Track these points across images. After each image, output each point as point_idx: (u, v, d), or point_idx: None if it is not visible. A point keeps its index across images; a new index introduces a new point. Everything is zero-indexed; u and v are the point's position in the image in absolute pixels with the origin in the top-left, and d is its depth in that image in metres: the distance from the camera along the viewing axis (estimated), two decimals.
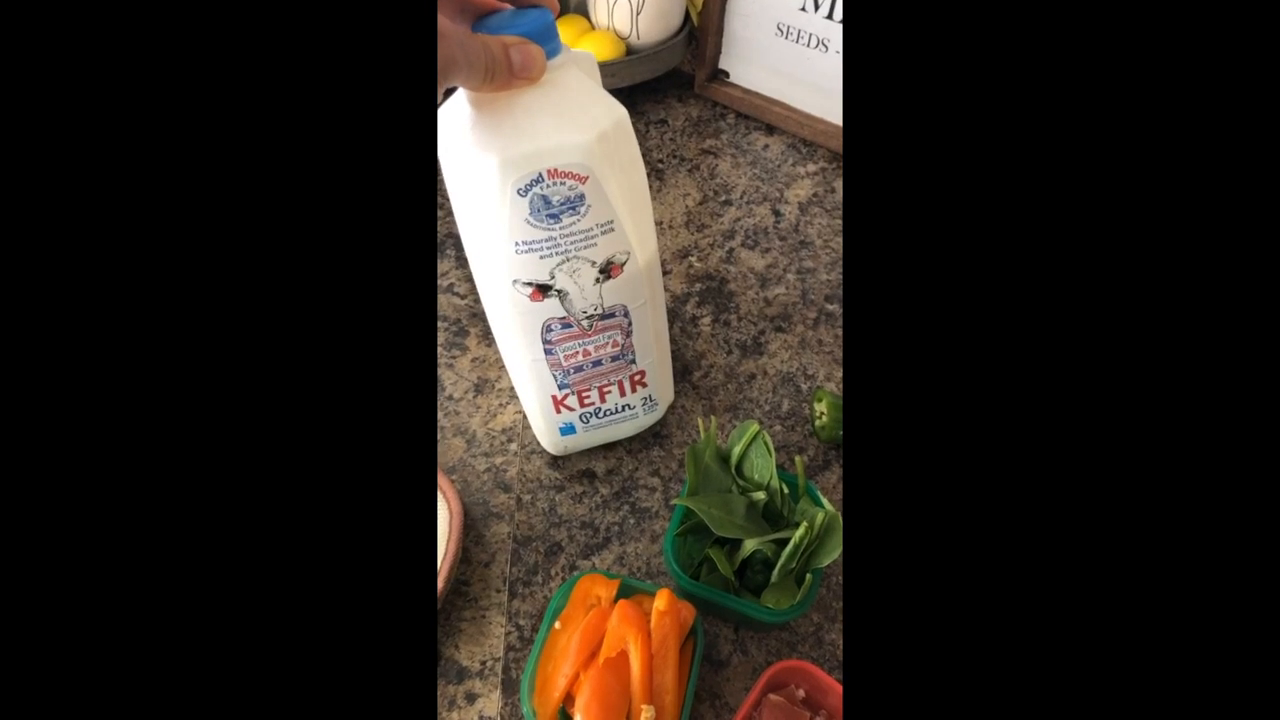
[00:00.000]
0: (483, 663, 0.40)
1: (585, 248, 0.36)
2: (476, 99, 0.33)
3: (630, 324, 0.41)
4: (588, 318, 0.39)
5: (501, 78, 0.30)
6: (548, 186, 0.33)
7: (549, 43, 0.32)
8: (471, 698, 0.39)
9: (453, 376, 0.53)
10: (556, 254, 0.36)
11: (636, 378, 0.44)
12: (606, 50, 0.69)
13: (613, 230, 0.36)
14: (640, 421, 0.47)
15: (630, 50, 0.71)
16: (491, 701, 0.39)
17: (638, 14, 0.68)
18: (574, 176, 0.33)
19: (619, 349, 0.42)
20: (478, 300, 0.58)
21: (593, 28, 0.72)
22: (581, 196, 0.34)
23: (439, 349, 0.55)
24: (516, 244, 0.35)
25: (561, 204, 0.34)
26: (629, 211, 0.36)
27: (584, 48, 0.69)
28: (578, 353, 0.41)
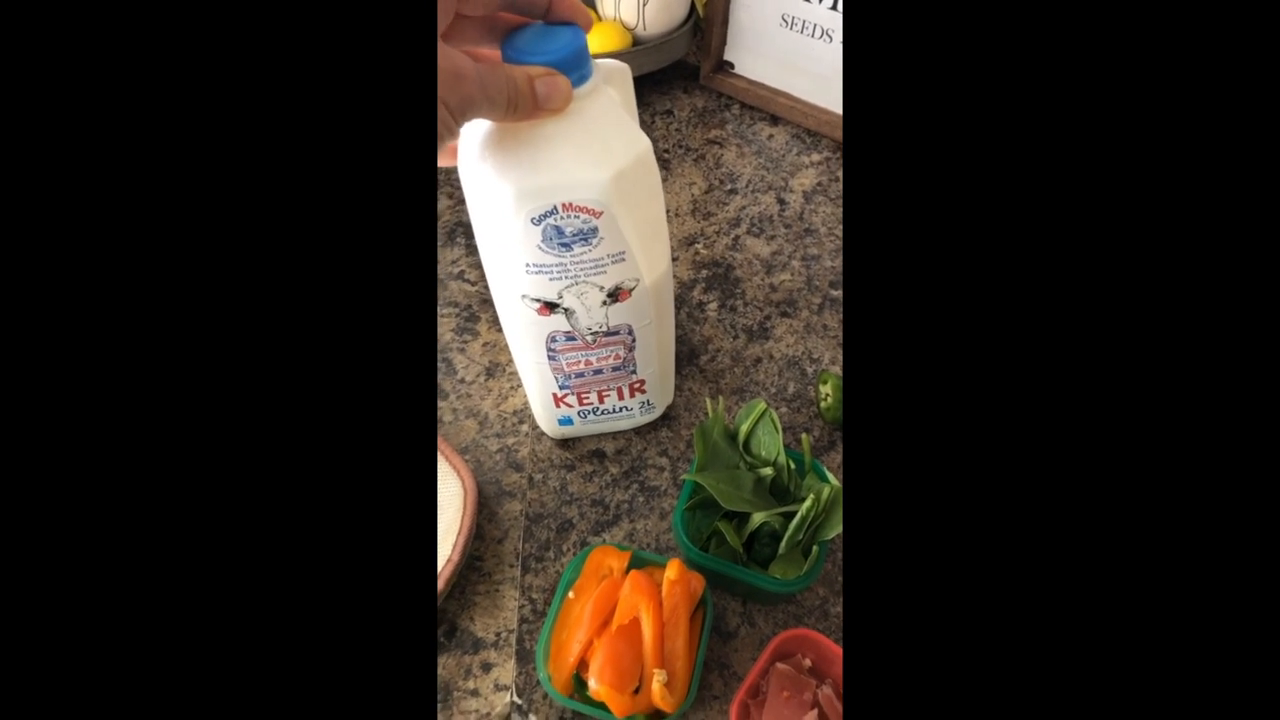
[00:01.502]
0: (497, 634, 0.41)
1: (595, 274, 0.36)
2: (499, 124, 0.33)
3: (634, 340, 0.41)
4: (592, 334, 0.40)
5: (525, 110, 0.30)
6: (561, 218, 0.33)
7: (579, 69, 0.31)
8: (487, 667, 0.40)
9: (464, 360, 0.54)
10: (566, 278, 0.36)
11: (636, 385, 0.45)
12: (613, 41, 0.69)
13: (624, 260, 0.36)
14: (636, 420, 0.48)
15: (637, 41, 0.72)
16: (506, 670, 0.40)
17: (644, 5, 0.69)
18: (588, 211, 0.33)
19: (621, 361, 0.43)
20: (488, 287, 0.59)
21: (600, 19, 0.73)
22: (595, 229, 0.34)
23: (451, 334, 0.56)
24: (527, 265, 0.35)
25: (574, 235, 0.34)
26: (641, 241, 0.36)
27: (591, 39, 0.70)
28: (580, 362, 0.42)
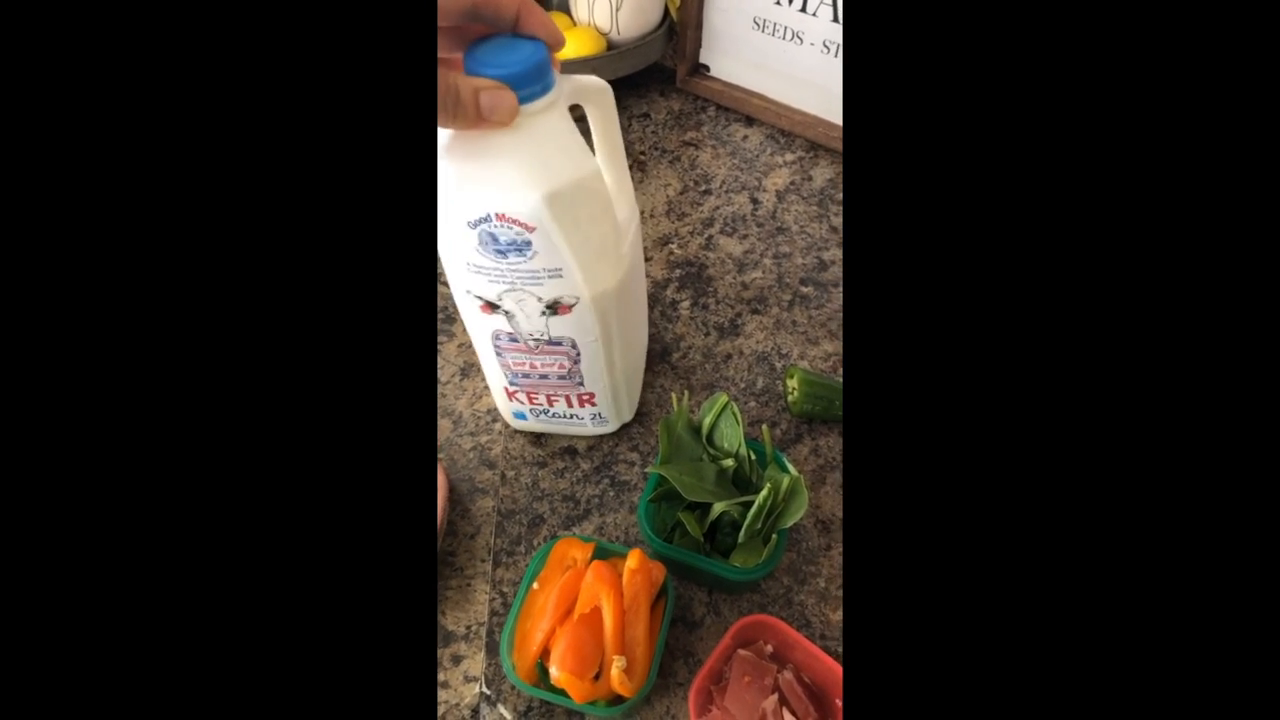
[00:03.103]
0: (468, 627, 0.42)
1: (532, 284, 0.37)
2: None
3: (578, 354, 0.42)
4: (534, 340, 0.41)
5: (466, 120, 0.30)
6: (496, 227, 0.34)
7: (535, 83, 0.31)
8: (457, 659, 0.41)
9: (440, 361, 0.55)
10: (503, 283, 0.37)
11: (585, 397, 0.45)
12: (588, 46, 0.71)
13: (561, 276, 0.36)
14: (588, 429, 0.49)
15: (611, 45, 0.73)
16: (476, 663, 0.40)
17: (617, 10, 0.70)
18: (521, 224, 0.34)
19: (565, 371, 0.43)
20: None
21: (574, 24, 0.74)
22: (529, 243, 0.34)
23: None
24: (468, 264, 0.36)
25: (509, 244, 0.35)
26: (582, 261, 0.36)
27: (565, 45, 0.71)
28: (525, 364, 0.43)
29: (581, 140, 0.35)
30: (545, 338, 0.40)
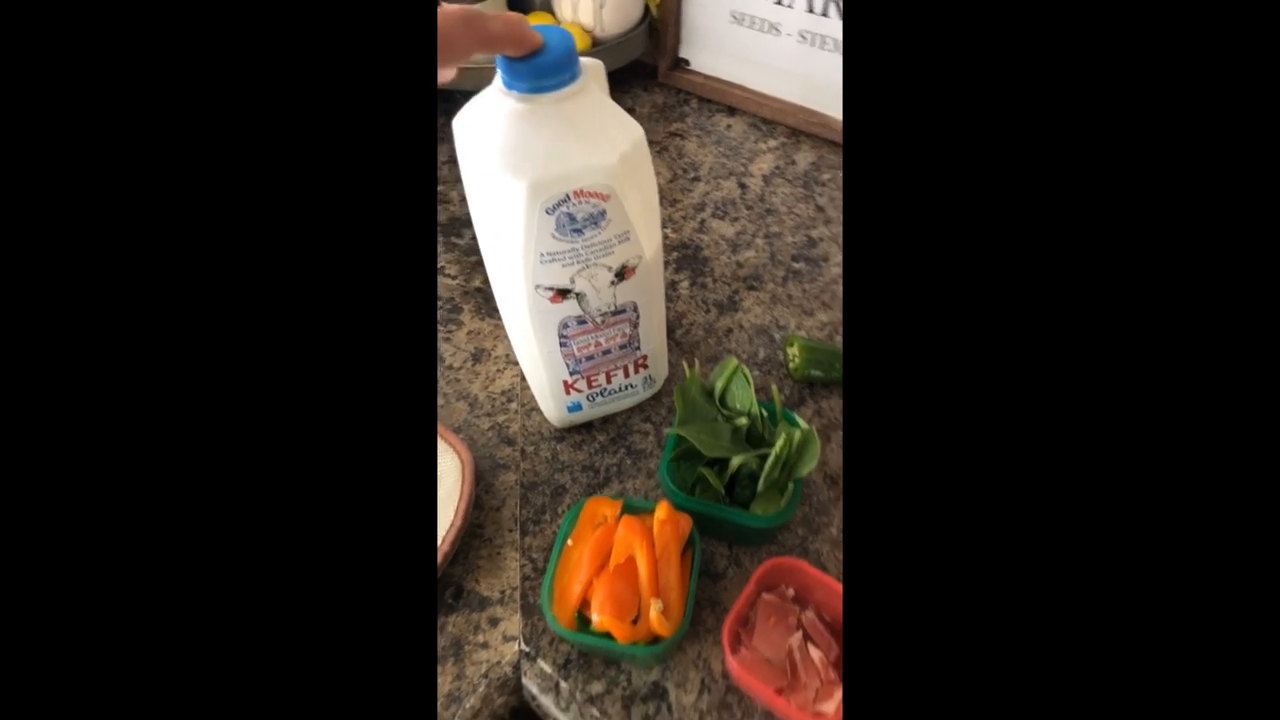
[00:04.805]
0: (502, 592, 0.44)
1: (604, 256, 0.40)
2: (507, 122, 0.35)
3: (638, 317, 0.45)
4: (601, 315, 0.43)
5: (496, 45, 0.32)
6: (573, 205, 0.37)
7: (571, 68, 0.35)
8: (494, 621, 0.42)
9: (451, 348, 0.57)
10: (578, 262, 0.39)
11: (640, 361, 0.48)
12: None
13: (628, 240, 0.40)
14: (639, 396, 0.52)
15: (596, 42, 0.75)
16: (513, 623, 0.42)
17: (601, 7, 0.73)
18: (597, 195, 0.37)
19: (627, 339, 0.46)
20: (468, 279, 0.62)
21: (558, 23, 0.76)
22: (603, 212, 0.38)
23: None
24: (541, 255, 0.38)
25: (585, 220, 0.38)
26: (643, 220, 0.40)
27: None
28: (590, 345, 0.45)
29: (619, 108, 0.38)
30: (612, 308, 0.43)
